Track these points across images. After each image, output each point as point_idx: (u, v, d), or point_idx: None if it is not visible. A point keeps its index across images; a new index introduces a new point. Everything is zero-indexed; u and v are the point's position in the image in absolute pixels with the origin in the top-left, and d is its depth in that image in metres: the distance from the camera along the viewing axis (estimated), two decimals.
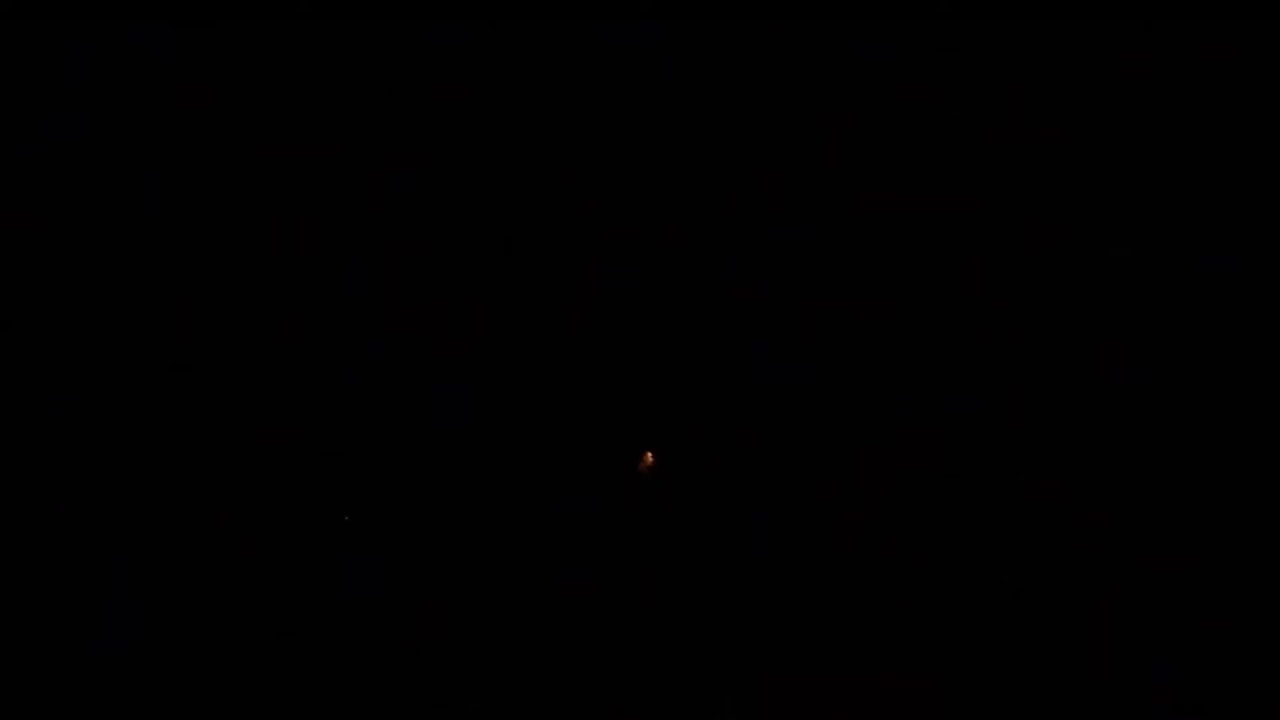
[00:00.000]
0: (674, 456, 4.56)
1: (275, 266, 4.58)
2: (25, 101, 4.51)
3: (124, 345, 4.52)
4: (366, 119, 4.58)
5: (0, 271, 4.52)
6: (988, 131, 4.53)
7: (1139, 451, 4.44)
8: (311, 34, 4.55)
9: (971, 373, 4.52)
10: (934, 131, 4.55)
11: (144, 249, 4.56)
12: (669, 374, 4.60)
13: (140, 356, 4.53)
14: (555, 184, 4.62)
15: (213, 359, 4.55)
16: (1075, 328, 4.50)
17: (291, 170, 4.58)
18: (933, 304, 4.55)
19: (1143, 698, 4.30)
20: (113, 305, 4.54)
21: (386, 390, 4.59)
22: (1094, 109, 4.50)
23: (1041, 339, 4.51)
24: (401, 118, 4.60)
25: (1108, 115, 4.50)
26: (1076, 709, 4.32)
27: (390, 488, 4.56)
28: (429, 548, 4.53)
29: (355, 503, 4.54)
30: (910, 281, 4.56)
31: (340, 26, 4.55)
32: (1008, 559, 4.44)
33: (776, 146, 4.59)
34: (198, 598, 4.45)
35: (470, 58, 4.58)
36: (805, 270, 4.58)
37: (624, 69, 4.57)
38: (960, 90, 4.53)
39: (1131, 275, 4.49)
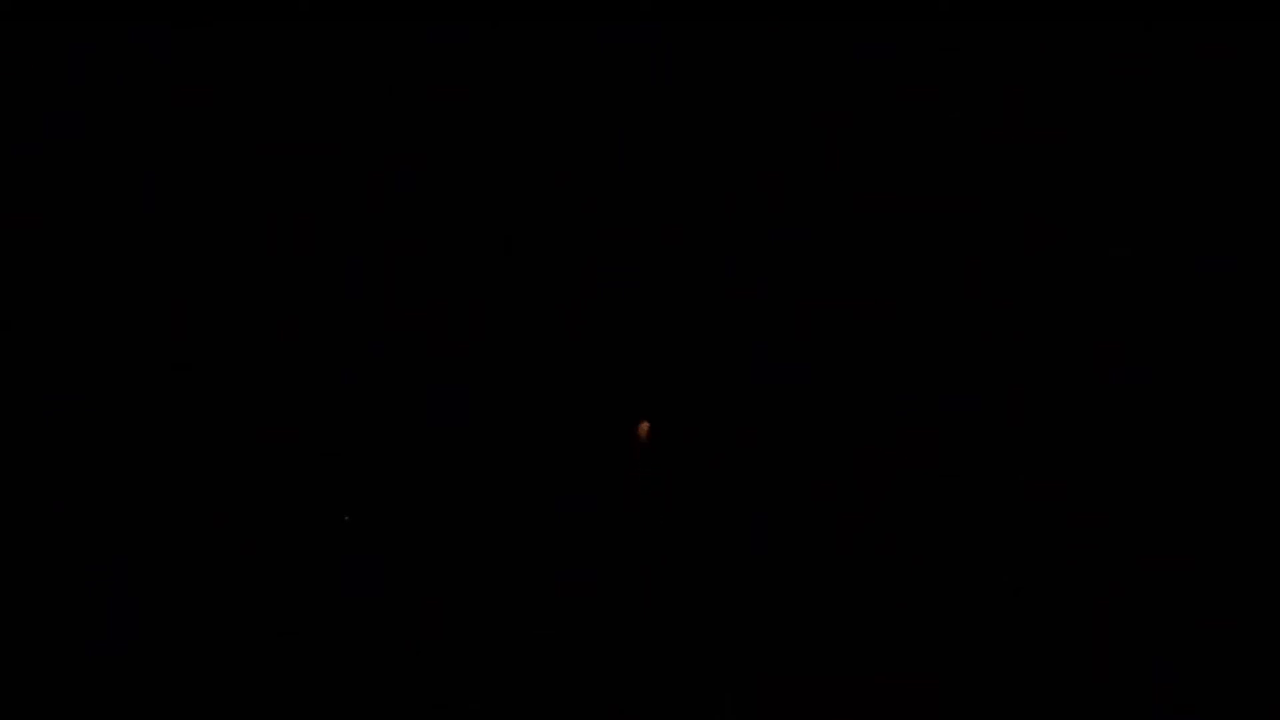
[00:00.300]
0: (673, 456, 4.56)
1: (275, 266, 4.58)
2: (25, 101, 4.51)
3: (124, 345, 4.52)
4: (366, 119, 4.58)
5: (0, 271, 4.52)
6: (987, 131, 4.53)
7: (1139, 451, 4.44)
8: (311, 34, 4.55)
9: (971, 373, 4.52)
10: (934, 131, 4.55)
11: (144, 249, 4.55)
12: (668, 373, 4.60)
13: (140, 356, 4.52)
14: (555, 184, 4.62)
15: (212, 359, 4.55)
16: (1075, 328, 4.50)
17: (291, 170, 4.58)
18: (932, 304, 4.55)
19: (1143, 698, 4.30)
20: (112, 305, 4.53)
21: (386, 390, 4.59)
22: (1094, 109, 4.50)
23: (1041, 339, 4.51)
24: (401, 117, 4.59)
25: (1108, 115, 4.50)
26: (1076, 709, 4.32)
27: (390, 487, 4.56)
28: (429, 547, 4.53)
29: (355, 502, 4.54)
30: (910, 281, 4.56)
31: (340, 27, 4.54)
32: (1008, 559, 4.44)
33: (776, 146, 4.59)
34: (197, 597, 4.45)
35: (470, 58, 4.58)
36: (805, 270, 4.58)
37: (624, 69, 4.57)
38: (960, 90, 4.53)
39: (1131, 275, 4.49)
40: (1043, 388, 4.50)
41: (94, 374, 4.51)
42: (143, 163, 4.55)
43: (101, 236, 4.54)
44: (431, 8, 4.53)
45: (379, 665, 4.44)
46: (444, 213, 4.62)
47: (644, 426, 4.47)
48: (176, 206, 4.57)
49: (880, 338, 4.55)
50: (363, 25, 4.54)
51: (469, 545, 4.54)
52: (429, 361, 4.59)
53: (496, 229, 4.63)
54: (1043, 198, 4.53)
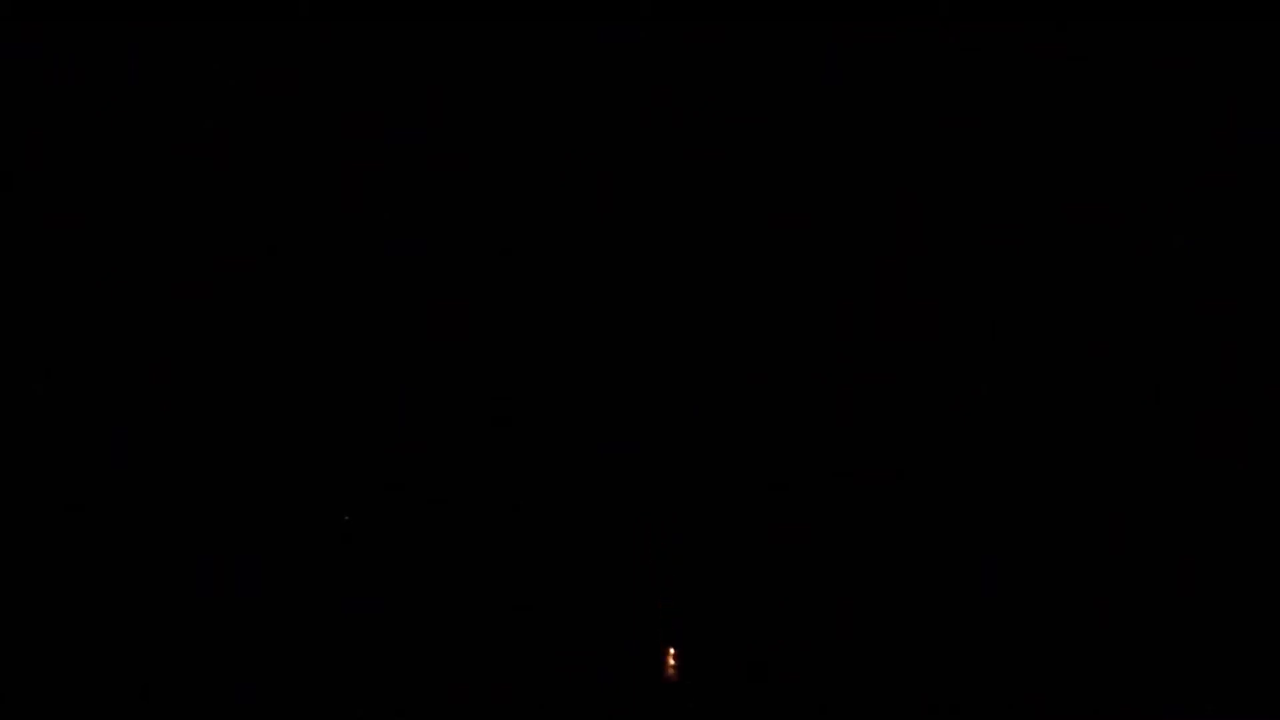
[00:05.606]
0: (670, 456, 4.57)
1: (274, 266, 4.59)
2: (25, 101, 4.52)
3: (121, 346, 4.52)
4: (367, 118, 4.59)
5: (0, 272, 4.53)
6: (988, 131, 4.54)
7: (1138, 452, 4.45)
8: (311, 34, 4.55)
9: (970, 373, 4.53)
10: (934, 131, 4.55)
11: (143, 249, 4.56)
12: (667, 374, 4.61)
13: (138, 357, 4.53)
14: (555, 185, 4.63)
15: (210, 359, 4.56)
16: (1074, 328, 4.51)
17: (291, 171, 4.59)
18: (932, 305, 4.56)
19: (1142, 697, 4.31)
20: (111, 305, 4.54)
21: (386, 391, 4.59)
22: (1094, 109, 4.51)
23: (1041, 339, 4.52)
24: (401, 117, 4.60)
25: (1108, 116, 4.51)
26: (1075, 709, 4.33)
27: (388, 489, 4.56)
28: (428, 549, 4.54)
29: (354, 503, 4.55)
30: (910, 282, 4.57)
31: (340, 26, 4.55)
32: (1007, 559, 4.45)
33: (776, 147, 4.60)
34: (194, 598, 4.45)
35: (470, 58, 4.59)
36: (805, 271, 4.59)
37: (624, 69, 4.58)
38: (960, 90, 4.53)
39: (1130, 274, 4.50)
40: (1041, 390, 4.51)
41: (92, 375, 4.51)
42: (143, 162, 4.56)
43: (101, 236, 4.54)
44: (432, 8, 4.54)
45: (379, 667, 4.45)
46: (444, 213, 4.62)
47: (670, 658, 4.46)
48: (175, 207, 4.58)
49: (879, 338, 4.56)
50: (363, 25, 4.55)
51: (469, 548, 4.54)
52: (429, 363, 4.60)
53: (496, 230, 4.63)
54: (1043, 199, 4.53)
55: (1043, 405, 4.49)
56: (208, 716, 4.36)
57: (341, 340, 4.58)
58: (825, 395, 4.55)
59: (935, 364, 4.54)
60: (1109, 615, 4.37)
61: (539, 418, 4.58)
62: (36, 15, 4.47)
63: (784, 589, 4.49)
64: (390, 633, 4.46)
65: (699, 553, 4.52)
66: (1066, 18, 4.46)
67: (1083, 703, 4.32)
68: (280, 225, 4.59)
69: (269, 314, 4.57)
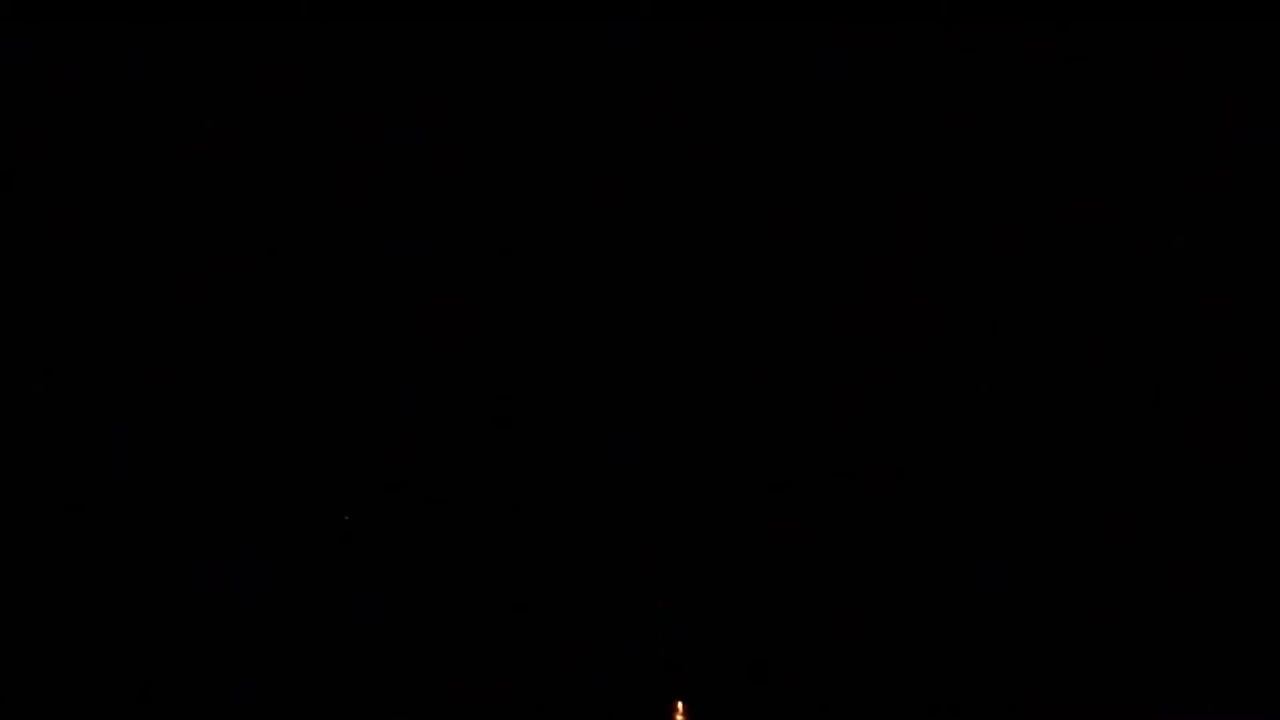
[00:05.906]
0: (670, 456, 4.56)
1: (274, 266, 4.58)
2: (25, 101, 4.51)
3: (121, 346, 4.52)
4: (367, 118, 4.58)
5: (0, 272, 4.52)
6: (988, 131, 4.53)
7: (1138, 452, 4.45)
8: (311, 34, 4.55)
9: (970, 373, 4.52)
10: (934, 131, 4.55)
11: (143, 249, 4.56)
12: (666, 374, 4.60)
13: (138, 357, 4.53)
14: (555, 185, 4.62)
15: (210, 359, 4.55)
16: (1074, 328, 4.50)
17: (291, 171, 4.58)
18: (932, 305, 4.55)
19: (1142, 697, 4.30)
20: (111, 305, 4.54)
21: (386, 391, 4.59)
22: (1094, 109, 4.50)
23: (1041, 339, 4.51)
24: (401, 117, 4.59)
25: (1108, 115, 4.50)
26: (1075, 709, 4.32)
27: (388, 489, 4.56)
28: (428, 549, 4.53)
29: (354, 503, 4.54)
30: (910, 282, 4.56)
31: (340, 26, 4.55)
32: (1007, 559, 4.44)
33: (776, 147, 4.59)
34: (194, 598, 4.45)
35: (470, 58, 4.58)
36: (805, 271, 4.58)
37: (624, 69, 4.57)
38: (960, 90, 4.53)
39: (1130, 274, 4.49)
40: (1041, 389, 4.50)
41: (91, 375, 4.51)
42: (142, 163, 4.56)
43: (100, 237, 4.54)
44: (431, 8, 4.53)
45: (379, 669, 4.45)
46: (444, 213, 4.62)
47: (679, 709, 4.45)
48: (174, 207, 4.57)
49: (879, 339, 4.56)
50: (362, 25, 4.55)
51: (470, 550, 4.54)
52: (429, 364, 4.59)
53: (497, 230, 4.63)
54: (1043, 200, 4.53)
55: (1042, 405, 4.49)
56: (208, 716, 4.36)
57: (341, 340, 4.58)
58: (825, 395, 4.55)
59: (935, 364, 4.53)
60: (1109, 615, 4.37)
61: (539, 418, 4.58)
62: (36, 15, 4.46)
63: (784, 589, 4.48)
64: (390, 633, 4.46)
65: (699, 553, 4.52)
66: (1066, 18, 4.46)
67: (1083, 703, 4.32)
68: (280, 225, 4.59)
69: (268, 314, 4.57)
